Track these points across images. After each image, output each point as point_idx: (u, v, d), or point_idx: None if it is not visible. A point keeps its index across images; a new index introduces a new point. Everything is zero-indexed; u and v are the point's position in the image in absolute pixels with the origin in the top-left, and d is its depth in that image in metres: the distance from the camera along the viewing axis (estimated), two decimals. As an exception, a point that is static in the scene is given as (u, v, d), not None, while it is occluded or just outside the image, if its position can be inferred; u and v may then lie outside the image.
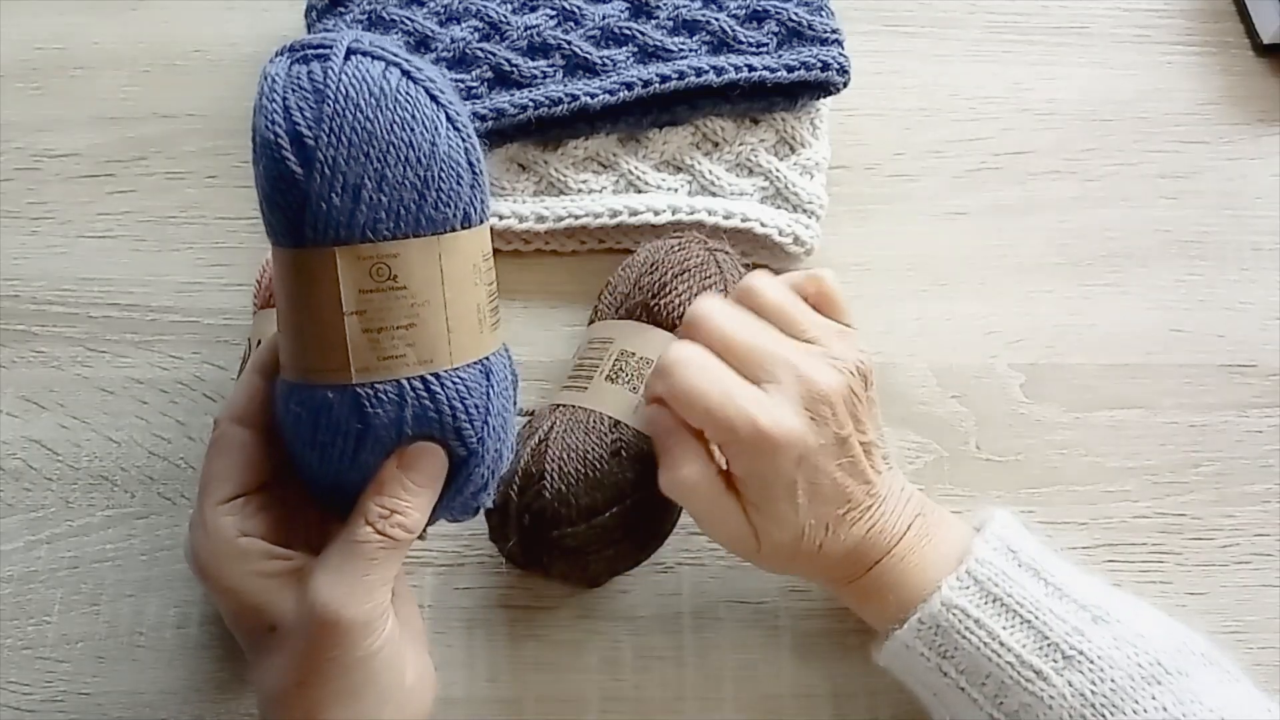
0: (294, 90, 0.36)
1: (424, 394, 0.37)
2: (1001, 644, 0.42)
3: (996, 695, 0.42)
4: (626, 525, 0.47)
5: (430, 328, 0.37)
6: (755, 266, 0.59)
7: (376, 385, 0.37)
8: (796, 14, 0.59)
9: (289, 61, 0.37)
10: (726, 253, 0.54)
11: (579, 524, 0.47)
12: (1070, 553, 0.50)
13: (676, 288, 0.51)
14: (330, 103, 0.36)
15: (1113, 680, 0.41)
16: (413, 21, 0.59)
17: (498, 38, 0.59)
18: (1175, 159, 0.64)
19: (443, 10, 0.60)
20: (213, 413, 0.56)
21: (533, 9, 0.60)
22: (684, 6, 0.59)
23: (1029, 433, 0.57)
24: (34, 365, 0.57)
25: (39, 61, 0.65)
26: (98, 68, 0.65)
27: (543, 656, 0.51)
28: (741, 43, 0.59)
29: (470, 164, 0.38)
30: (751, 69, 0.58)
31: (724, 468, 0.44)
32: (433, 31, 0.59)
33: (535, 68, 0.58)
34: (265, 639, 0.38)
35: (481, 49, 0.59)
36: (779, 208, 0.59)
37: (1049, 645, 0.42)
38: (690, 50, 0.59)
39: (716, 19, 0.59)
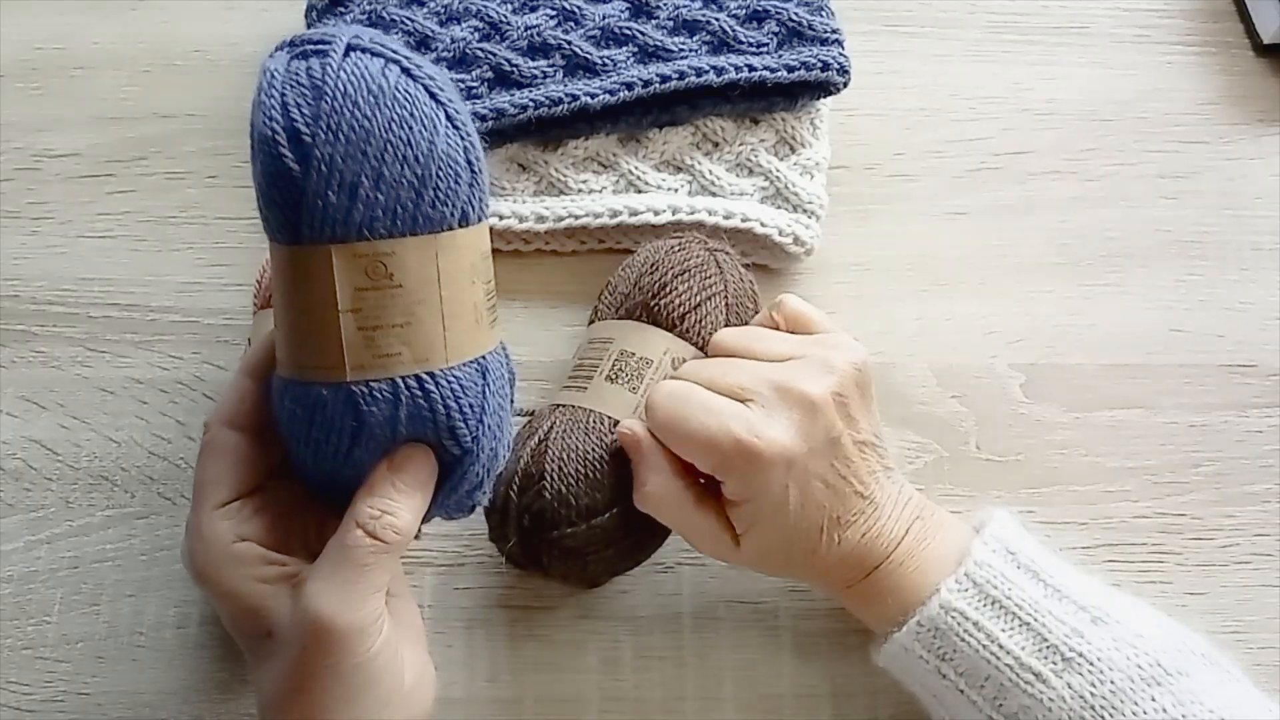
0: (292, 86, 0.36)
1: (419, 393, 0.37)
2: (1000, 646, 0.42)
3: (996, 697, 0.42)
4: (626, 526, 0.47)
5: (426, 326, 0.37)
6: (755, 266, 0.59)
7: (371, 383, 0.37)
8: (796, 14, 0.59)
9: (288, 56, 0.37)
10: (727, 253, 0.54)
11: (579, 524, 0.47)
12: (1070, 553, 0.50)
13: (677, 288, 0.51)
14: (328, 99, 0.35)
15: (1112, 682, 0.41)
16: (413, 21, 0.59)
17: (498, 38, 0.59)
18: (1175, 159, 0.64)
19: (443, 10, 0.60)
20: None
21: (533, 9, 0.60)
22: (684, 6, 0.59)
23: (1029, 433, 0.57)
24: (34, 365, 0.57)
25: (39, 61, 0.65)
26: (98, 68, 0.65)
27: (542, 656, 0.51)
28: (741, 43, 0.59)
29: (469, 163, 0.38)
30: (751, 69, 0.58)
31: (698, 481, 0.46)
32: (433, 31, 0.59)
33: (535, 68, 0.58)
34: (263, 644, 0.38)
35: (482, 49, 0.59)
36: (779, 208, 0.59)
37: (1048, 647, 0.42)
38: (690, 50, 0.59)
39: (716, 19, 0.59)
